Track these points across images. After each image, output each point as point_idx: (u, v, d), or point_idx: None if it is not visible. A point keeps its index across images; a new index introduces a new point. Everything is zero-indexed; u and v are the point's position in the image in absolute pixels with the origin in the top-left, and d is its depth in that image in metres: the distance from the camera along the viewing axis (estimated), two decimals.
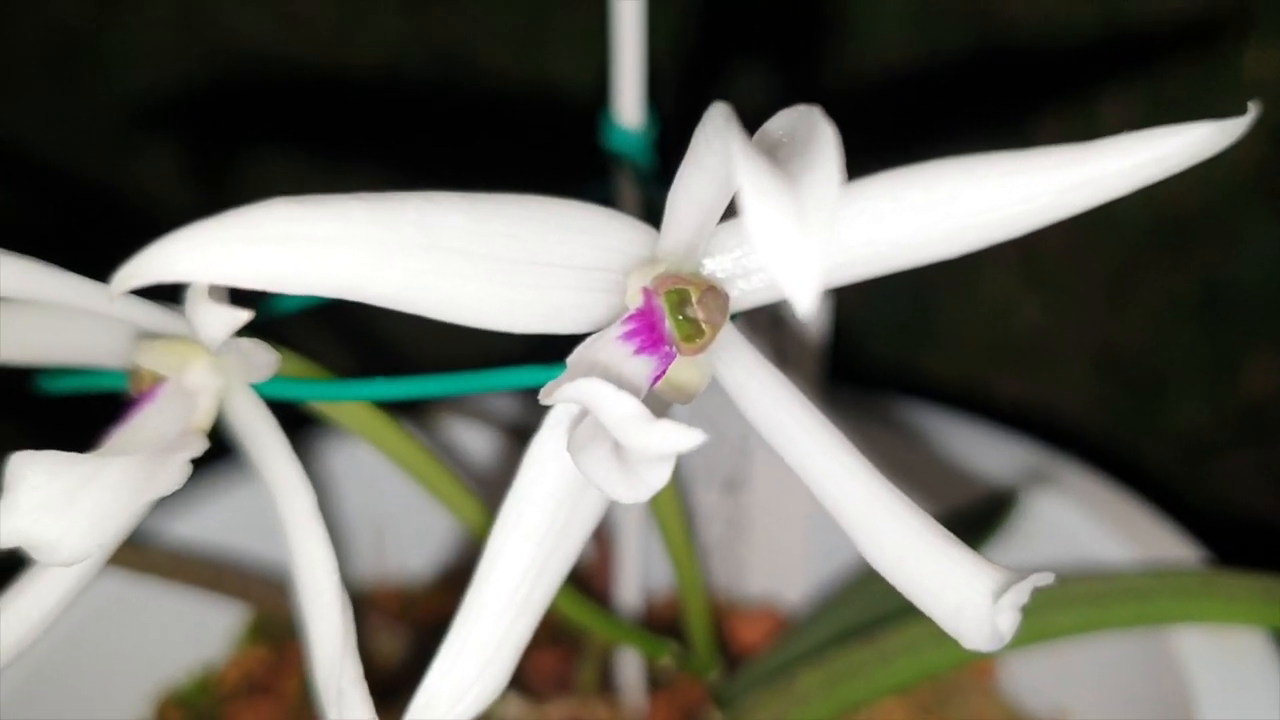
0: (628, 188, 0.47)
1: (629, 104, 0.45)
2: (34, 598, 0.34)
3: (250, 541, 0.54)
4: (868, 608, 0.50)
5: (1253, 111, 0.30)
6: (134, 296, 0.33)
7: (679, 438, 0.26)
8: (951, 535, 0.29)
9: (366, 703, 0.32)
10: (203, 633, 0.56)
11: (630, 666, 0.52)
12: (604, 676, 0.53)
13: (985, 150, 0.31)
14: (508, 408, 0.61)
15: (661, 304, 0.30)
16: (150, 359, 0.33)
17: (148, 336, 0.34)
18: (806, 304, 0.22)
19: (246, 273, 0.27)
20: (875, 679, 0.45)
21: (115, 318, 0.33)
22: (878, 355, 0.78)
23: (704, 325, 0.30)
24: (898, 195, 0.30)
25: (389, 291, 0.29)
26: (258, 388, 0.34)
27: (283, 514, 0.33)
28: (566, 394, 0.27)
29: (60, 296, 0.32)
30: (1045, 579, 0.27)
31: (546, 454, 0.32)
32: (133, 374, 0.34)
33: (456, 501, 0.41)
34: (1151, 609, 0.44)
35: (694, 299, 0.30)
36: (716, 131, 0.26)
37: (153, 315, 0.34)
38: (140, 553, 0.48)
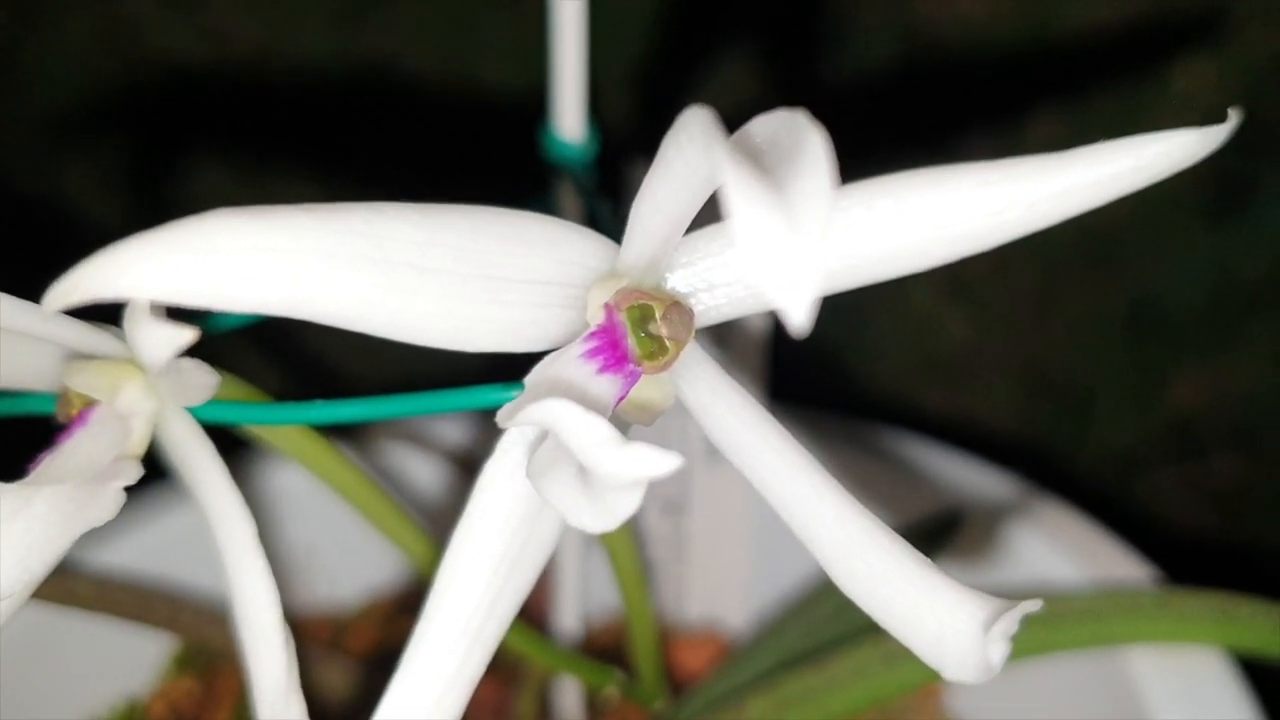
0: (569, 202, 0.45)
1: (570, 116, 0.44)
2: None
3: (179, 569, 0.52)
4: (813, 632, 0.49)
5: (1233, 119, 0.29)
6: (63, 315, 0.32)
7: (652, 463, 0.24)
8: (928, 561, 0.28)
9: None
10: (127, 664, 0.54)
11: (570, 696, 0.51)
12: (543, 706, 0.51)
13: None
14: (451, 433, 0.59)
15: (624, 320, 0.29)
16: (81, 382, 0.31)
17: (78, 358, 0.32)
18: (800, 317, 0.21)
19: (190, 289, 0.25)
20: (825, 704, 0.44)
21: (43, 338, 0.31)
22: (809, 373, 0.77)
23: (668, 342, 0.29)
24: (871, 205, 0.29)
25: (336, 308, 0.27)
26: (194, 411, 0.32)
27: (221, 544, 0.31)
28: (530, 416, 0.25)
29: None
30: (1034, 606, 0.26)
31: (500, 478, 0.30)
32: (62, 398, 0.32)
33: (396, 529, 0.39)
34: (1105, 629, 0.43)
35: (657, 315, 0.29)
36: (692, 137, 0.25)
37: (83, 335, 0.32)
38: (63, 582, 0.46)
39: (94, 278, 0.25)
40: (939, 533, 0.51)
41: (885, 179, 0.30)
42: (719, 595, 0.55)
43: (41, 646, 0.51)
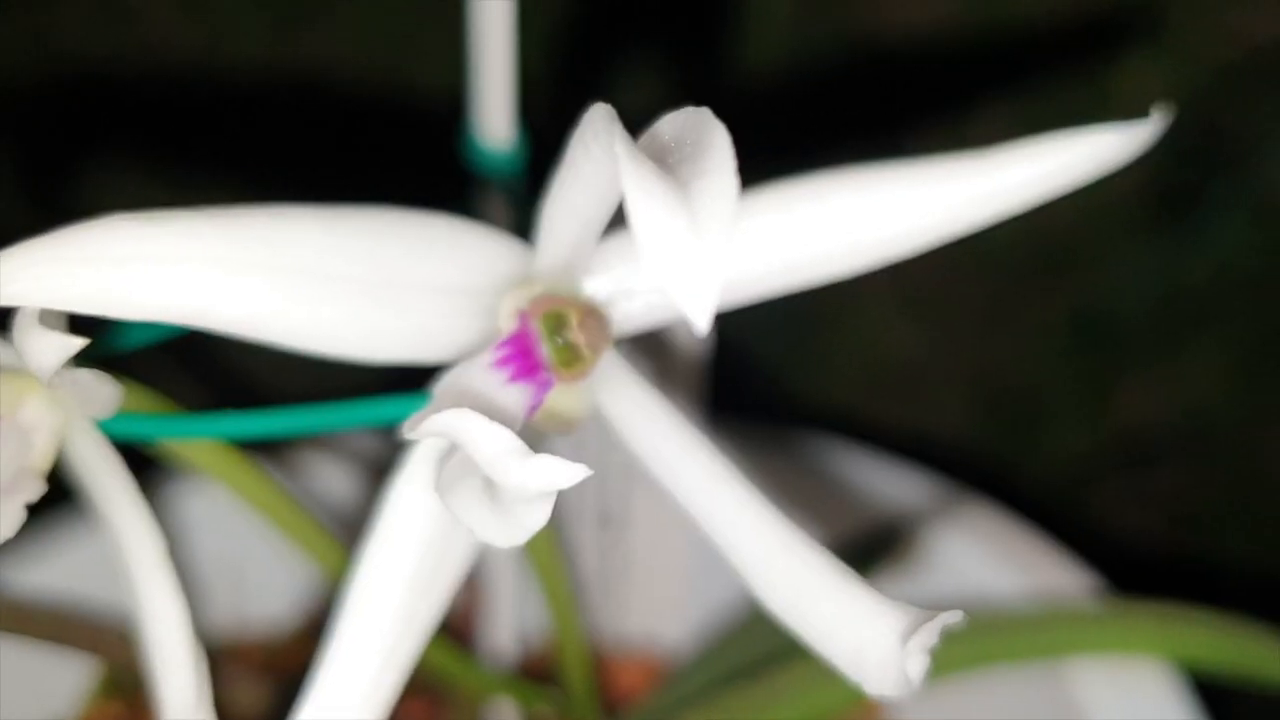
0: (498, 208, 0.44)
1: (497, 119, 0.43)
2: None
3: (104, 590, 0.51)
4: (752, 648, 0.48)
5: (1164, 115, 0.29)
6: None
7: (558, 474, 0.23)
8: (850, 572, 0.28)
9: None
10: (49, 689, 0.52)
11: (505, 717, 0.49)
12: None
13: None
14: (374, 445, 0.58)
15: (537, 328, 0.28)
16: None
17: None
18: (702, 320, 0.20)
19: (82, 296, 0.24)
20: (770, 716, 0.43)
21: None
22: (754, 385, 0.76)
23: (584, 350, 0.28)
24: (789, 208, 0.28)
25: (236, 317, 0.26)
26: (102, 425, 0.31)
27: (127, 563, 0.31)
28: (432, 427, 0.24)
29: None
30: (954, 617, 0.26)
31: (410, 492, 0.29)
32: None
33: (315, 545, 0.38)
34: (1048, 640, 0.43)
35: (573, 322, 0.28)
36: (596, 135, 0.24)
37: None
38: None
39: None
40: (876, 545, 0.50)
41: (809, 179, 0.30)
42: (657, 611, 0.54)
43: None
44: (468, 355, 0.29)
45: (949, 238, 0.29)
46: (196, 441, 0.35)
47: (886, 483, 0.55)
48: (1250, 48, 0.69)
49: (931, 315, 0.76)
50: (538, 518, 0.25)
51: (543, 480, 0.23)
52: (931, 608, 0.42)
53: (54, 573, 0.52)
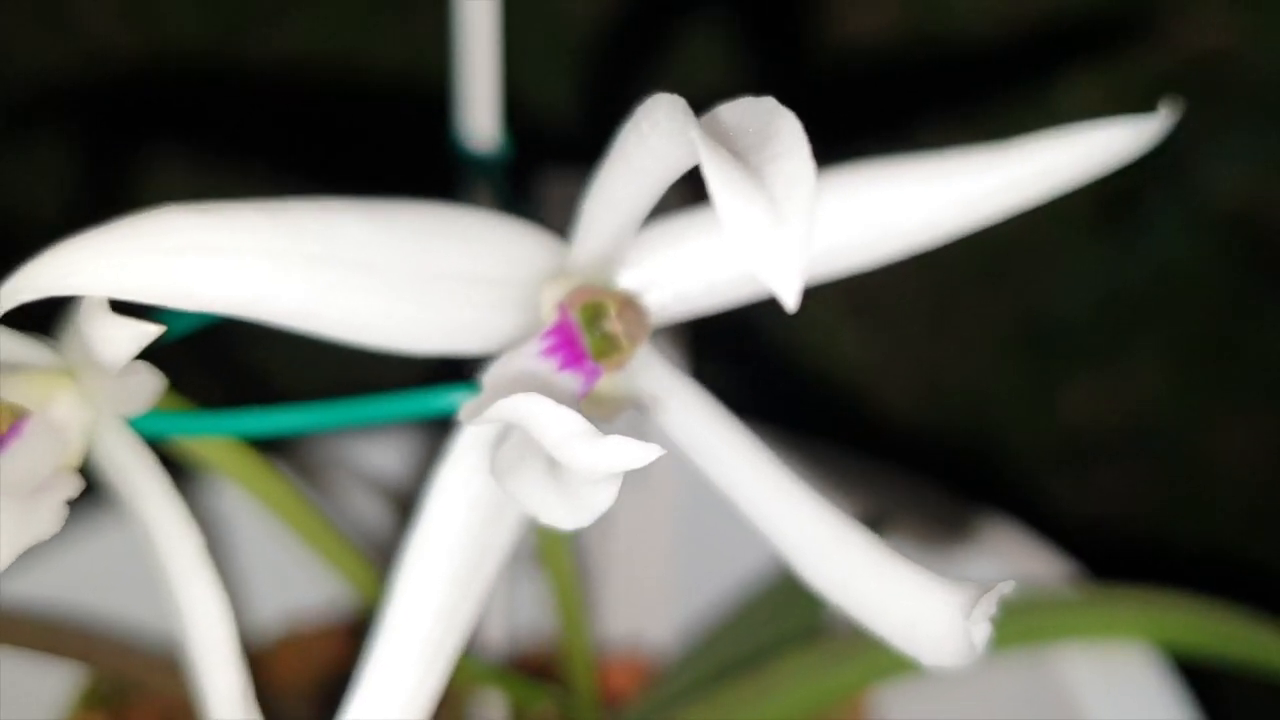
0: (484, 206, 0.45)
1: (483, 120, 0.43)
2: None
3: (90, 599, 0.50)
4: (743, 642, 0.49)
5: (1169, 111, 0.30)
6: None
7: (629, 454, 0.24)
8: (896, 553, 0.28)
9: None
10: (30, 702, 0.52)
11: (493, 712, 0.50)
12: None
13: None
14: (385, 463, 0.58)
15: (576, 319, 0.29)
16: (11, 392, 0.30)
17: (4, 369, 0.31)
18: (791, 299, 0.21)
19: (142, 286, 0.25)
20: (762, 709, 0.44)
21: None
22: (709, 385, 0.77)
23: (622, 340, 0.29)
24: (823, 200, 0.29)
25: (287, 308, 0.27)
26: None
27: (165, 559, 0.30)
28: (499, 412, 0.25)
29: None
30: (1007, 587, 0.26)
31: (456, 483, 0.30)
32: None
33: (331, 548, 0.38)
34: (1035, 625, 0.44)
35: (612, 313, 0.29)
36: (657, 125, 0.25)
37: (10, 345, 0.31)
38: None
39: (47, 273, 0.24)
40: None
41: (832, 172, 0.31)
42: (642, 612, 0.55)
43: None
44: (503, 347, 0.29)
45: (972, 227, 0.30)
46: (215, 440, 0.35)
47: (848, 478, 0.56)
48: (1187, 59, 0.72)
49: (879, 318, 0.78)
50: (605, 499, 0.25)
51: (614, 461, 0.24)
52: None
53: (44, 581, 0.51)
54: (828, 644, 0.45)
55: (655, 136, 0.25)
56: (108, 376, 0.30)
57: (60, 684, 0.53)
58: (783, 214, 0.21)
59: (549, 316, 0.29)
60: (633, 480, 0.47)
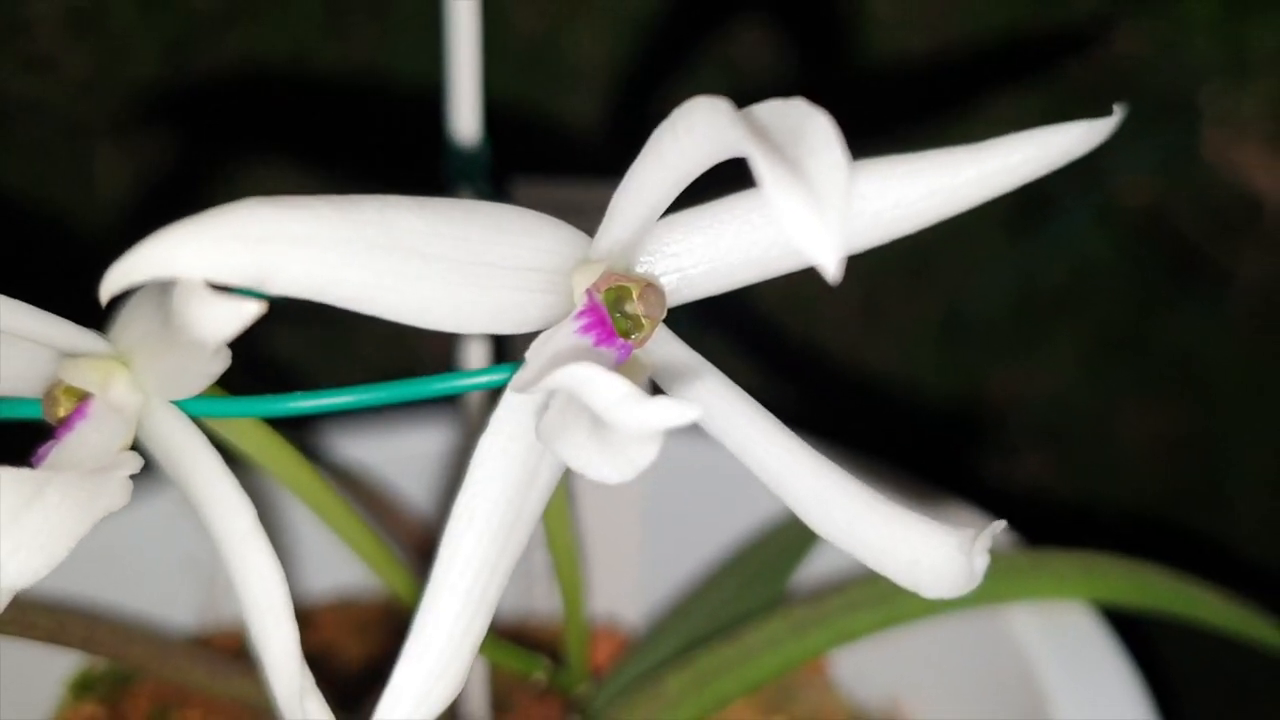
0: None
1: (465, 119, 0.46)
2: None
3: (87, 586, 0.52)
4: (715, 614, 0.52)
5: (1118, 113, 0.34)
6: (56, 316, 0.33)
7: (675, 413, 0.27)
8: (894, 502, 0.32)
9: (327, 710, 0.32)
10: (23, 692, 0.53)
11: (476, 686, 0.52)
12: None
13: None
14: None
15: (602, 302, 0.32)
16: (76, 376, 0.32)
17: (66, 357, 0.33)
18: (834, 273, 0.24)
19: (235, 270, 0.27)
20: (741, 675, 0.47)
21: (37, 340, 0.32)
22: None
23: (643, 320, 0.32)
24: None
25: (353, 292, 0.29)
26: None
27: (221, 532, 0.32)
28: (557, 380, 0.27)
29: None
30: (1000, 526, 0.30)
31: (496, 451, 0.32)
32: (47, 397, 0.33)
33: (354, 534, 0.40)
34: (990, 588, 0.47)
35: (634, 295, 0.32)
36: (692, 126, 0.28)
37: (71, 335, 0.33)
38: None
39: (151, 258, 0.26)
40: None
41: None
42: (614, 589, 0.58)
43: None
44: (535, 327, 0.32)
45: (957, 210, 0.34)
46: (246, 426, 0.37)
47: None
48: (1103, 65, 0.75)
49: (816, 314, 0.81)
50: (649, 454, 0.28)
51: (662, 419, 0.27)
52: (869, 572, 0.47)
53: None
54: (796, 612, 0.48)
55: (688, 137, 0.28)
56: (160, 361, 0.33)
57: (52, 675, 0.54)
58: (824, 200, 0.24)
59: (579, 300, 0.32)
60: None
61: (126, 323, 0.34)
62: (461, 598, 0.32)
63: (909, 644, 0.51)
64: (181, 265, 0.26)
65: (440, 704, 0.32)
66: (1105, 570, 0.48)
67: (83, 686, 0.54)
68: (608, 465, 0.28)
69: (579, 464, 0.29)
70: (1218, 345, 0.78)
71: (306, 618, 0.58)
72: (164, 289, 0.32)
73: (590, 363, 0.27)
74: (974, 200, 0.34)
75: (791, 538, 0.53)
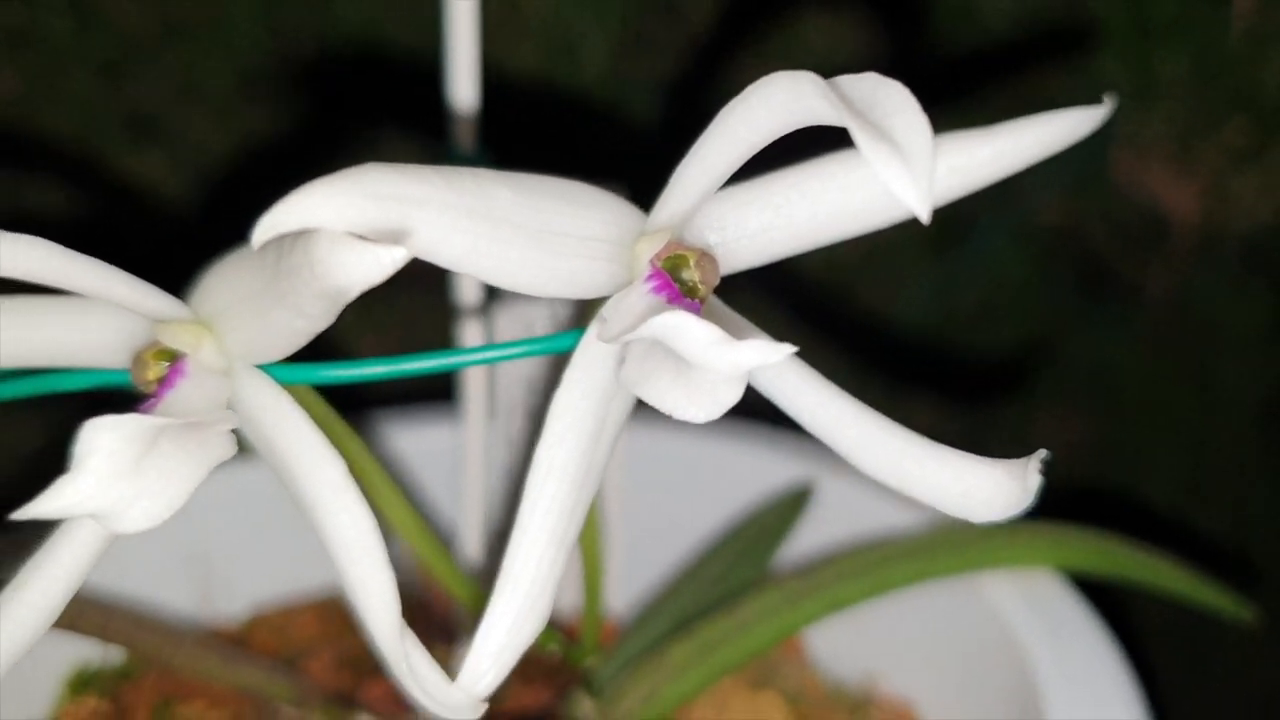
0: None
1: (463, 92, 0.48)
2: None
3: (104, 576, 0.52)
4: (705, 592, 0.55)
5: (1108, 103, 0.38)
6: (147, 283, 0.34)
7: (762, 352, 0.30)
8: (935, 442, 0.35)
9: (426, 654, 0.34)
10: (21, 689, 0.53)
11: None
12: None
13: None
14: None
15: (664, 269, 0.35)
16: (171, 337, 0.34)
17: (154, 322, 0.35)
18: (926, 217, 0.28)
19: (365, 223, 0.30)
20: (740, 644, 0.50)
21: (128, 306, 0.34)
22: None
23: (700, 286, 0.35)
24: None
25: (456, 254, 0.32)
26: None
27: (312, 488, 0.34)
28: (650, 328, 0.30)
29: (81, 283, 0.32)
30: (1043, 454, 0.33)
31: (572, 403, 0.35)
32: (136, 362, 0.35)
33: (394, 510, 0.42)
34: (969, 556, 0.51)
35: (691, 264, 0.35)
36: (766, 98, 0.31)
37: (159, 302, 0.35)
38: None
39: (299, 210, 0.29)
40: (796, 504, 0.58)
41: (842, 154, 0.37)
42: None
43: None
44: (600, 293, 0.35)
45: (970, 189, 0.38)
46: (301, 393, 0.39)
47: (780, 445, 0.62)
48: (1015, 88, 0.80)
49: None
50: (736, 393, 0.31)
51: (751, 359, 0.30)
52: (851, 547, 0.50)
53: None
54: (789, 584, 0.51)
55: (765, 108, 0.31)
56: (245, 327, 0.35)
57: (48, 672, 0.55)
58: (914, 156, 0.28)
59: (642, 268, 0.35)
60: None
61: (207, 290, 0.36)
62: (545, 539, 0.35)
63: (885, 620, 0.54)
64: (327, 216, 0.29)
65: (529, 635, 0.34)
66: (1077, 541, 0.52)
67: (81, 683, 0.55)
68: (694, 406, 0.31)
69: (667, 406, 0.32)
70: (1128, 357, 0.82)
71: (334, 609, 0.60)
72: (245, 258, 0.35)
73: (681, 310, 0.30)
74: (987, 179, 0.38)
75: (772, 521, 0.56)
